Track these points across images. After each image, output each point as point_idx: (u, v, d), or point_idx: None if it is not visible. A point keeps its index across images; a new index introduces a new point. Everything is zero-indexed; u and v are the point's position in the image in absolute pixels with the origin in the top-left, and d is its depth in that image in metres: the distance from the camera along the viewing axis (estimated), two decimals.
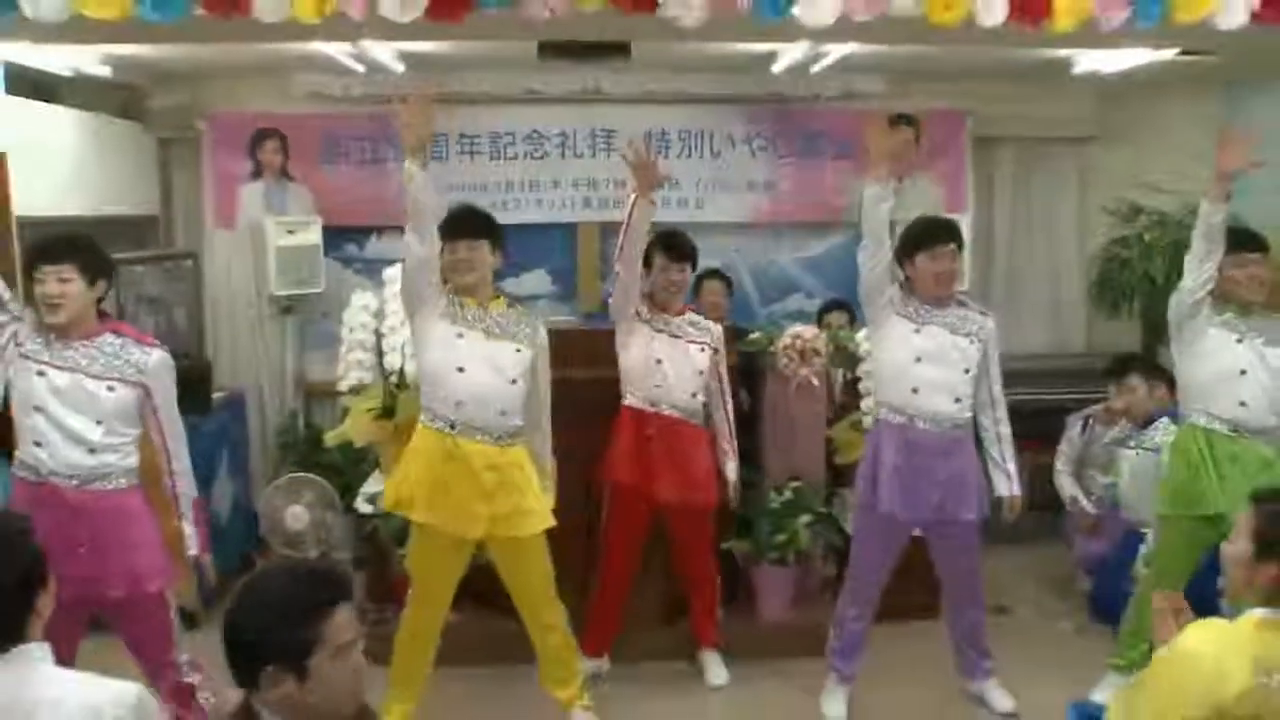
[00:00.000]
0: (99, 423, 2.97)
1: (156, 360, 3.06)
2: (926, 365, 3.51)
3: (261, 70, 5.38)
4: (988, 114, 5.75)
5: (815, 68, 5.26)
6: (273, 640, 1.71)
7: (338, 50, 4.70)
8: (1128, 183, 5.69)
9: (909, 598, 4.25)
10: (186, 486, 3.16)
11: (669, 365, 3.85)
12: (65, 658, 2.46)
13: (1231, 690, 1.95)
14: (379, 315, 4.56)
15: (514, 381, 3.34)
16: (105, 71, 4.94)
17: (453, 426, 3.30)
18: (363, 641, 1.80)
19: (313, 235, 5.48)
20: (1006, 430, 3.67)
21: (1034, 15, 3.26)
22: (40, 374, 2.96)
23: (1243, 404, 3.46)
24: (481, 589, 4.12)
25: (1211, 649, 1.99)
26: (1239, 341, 3.48)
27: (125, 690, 1.85)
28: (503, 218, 5.63)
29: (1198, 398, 3.55)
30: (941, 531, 3.67)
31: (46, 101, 4.89)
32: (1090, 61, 4.99)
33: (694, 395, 3.89)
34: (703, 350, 3.90)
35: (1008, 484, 3.66)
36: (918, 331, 3.53)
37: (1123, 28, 3.33)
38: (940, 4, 3.21)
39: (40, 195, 4.52)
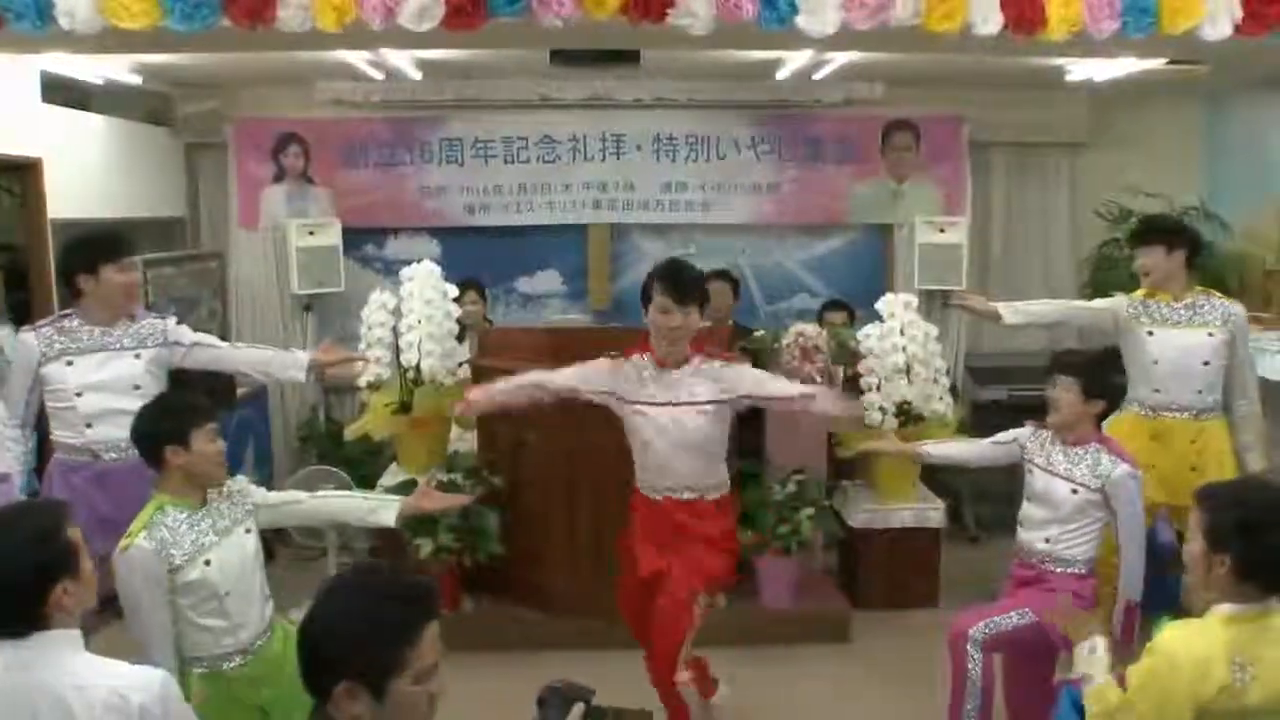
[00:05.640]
0: None
1: None
2: None
3: (284, 78, 5.49)
4: (984, 120, 5.83)
5: (817, 75, 5.37)
6: (356, 659, 1.56)
7: (358, 58, 4.82)
8: (1117, 186, 5.76)
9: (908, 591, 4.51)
10: None
11: (660, 444, 3.14)
12: None
13: (1212, 687, 1.98)
14: (396, 313, 4.62)
15: None
16: (136, 80, 5.03)
17: None
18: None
19: (332, 236, 5.62)
20: None
21: (1029, 25, 3.32)
22: None
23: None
24: (491, 579, 4.28)
25: (1189, 650, 2.01)
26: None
27: (151, 677, 1.85)
28: (515, 219, 5.95)
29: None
30: None
31: (80, 109, 5.01)
32: (1083, 70, 5.04)
33: (699, 464, 3.16)
34: (703, 412, 3.12)
35: None
36: None
37: (1114, 38, 3.39)
38: (939, 14, 3.26)
39: (74, 199, 4.67)
